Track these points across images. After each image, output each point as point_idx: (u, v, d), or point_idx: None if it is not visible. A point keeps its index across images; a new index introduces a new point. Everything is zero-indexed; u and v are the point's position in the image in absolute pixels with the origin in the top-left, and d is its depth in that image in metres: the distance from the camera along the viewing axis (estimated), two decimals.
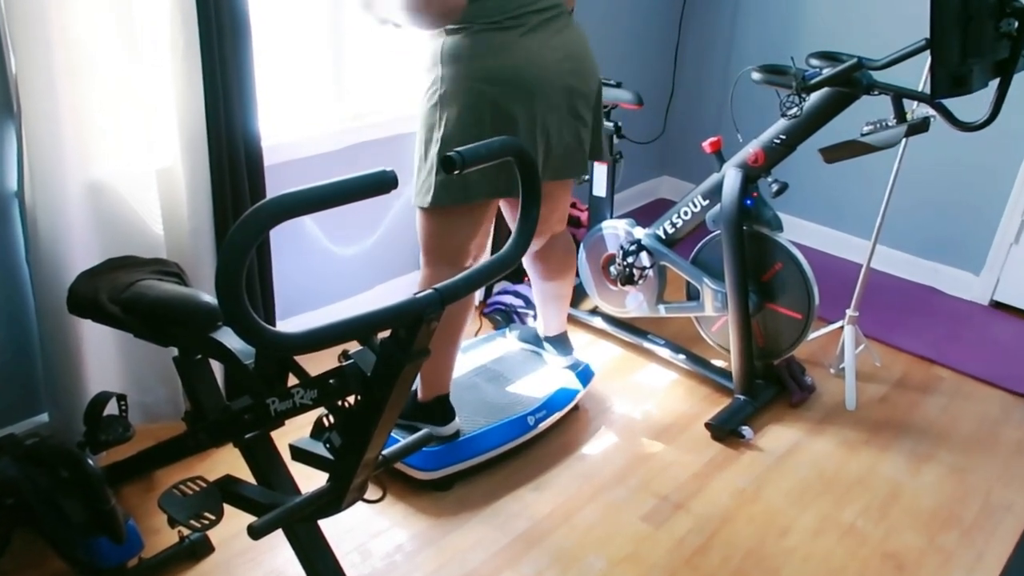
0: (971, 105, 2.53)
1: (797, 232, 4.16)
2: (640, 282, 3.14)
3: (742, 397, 2.97)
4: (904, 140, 2.68)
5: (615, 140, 3.17)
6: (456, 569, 2.28)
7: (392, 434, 2.46)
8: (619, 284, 3.17)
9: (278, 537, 1.94)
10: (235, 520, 1.90)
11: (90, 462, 2.01)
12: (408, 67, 3.12)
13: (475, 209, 2.35)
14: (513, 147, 1.66)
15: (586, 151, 2.42)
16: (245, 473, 1.93)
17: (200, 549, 2.25)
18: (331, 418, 1.77)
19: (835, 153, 2.67)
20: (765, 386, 3.05)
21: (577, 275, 3.38)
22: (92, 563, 2.00)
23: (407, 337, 1.58)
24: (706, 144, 2.94)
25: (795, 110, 2.64)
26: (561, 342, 2.95)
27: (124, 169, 2.34)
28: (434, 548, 2.34)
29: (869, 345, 3.31)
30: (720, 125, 4.36)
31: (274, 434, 1.94)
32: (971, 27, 2.28)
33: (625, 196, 4.51)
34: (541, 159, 2.29)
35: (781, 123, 2.75)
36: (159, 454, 2.07)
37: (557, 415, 2.78)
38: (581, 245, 3.34)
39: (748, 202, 2.85)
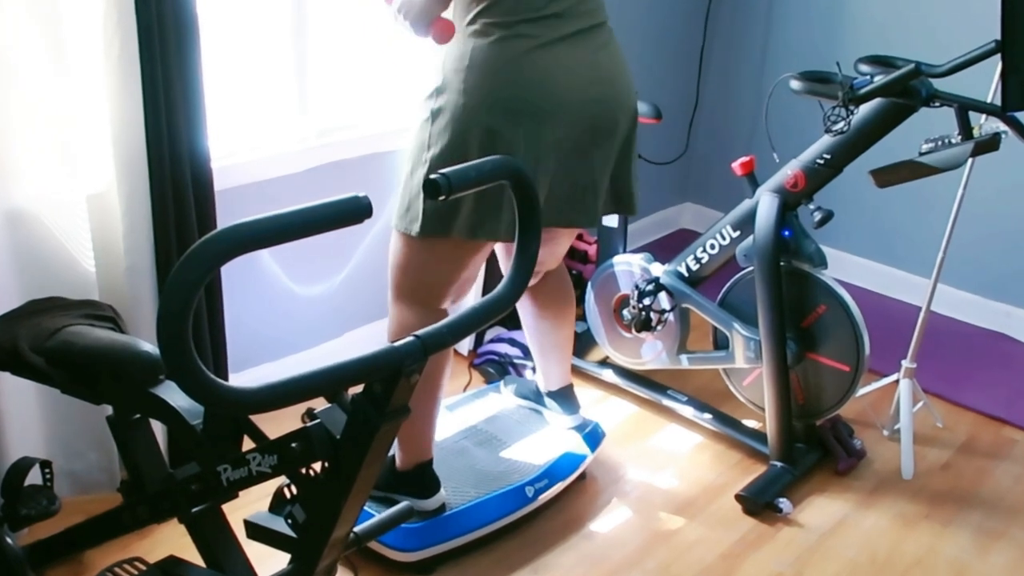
0: None
1: (844, 269, 4.17)
2: (659, 328, 3.14)
3: (779, 464, 2.97)
4: (970, 160, 2.70)
5: None
6: None
7: (366, 508, 2.46)
8: (634, 330, 3.18)
9: None
10: None
11: (9, 540, 2.00)
12: (383, 75, 3.15)
13: (465, 245, 2.37)
14: (509, 169, 1.69)
15: (599, 196, 2.41)
16: (192, 553, 1.93)
17: None
18: (294, 489, 1.77)
19: (889, 176, 2.69)
20: (806, 451, 3.05)
21: (584, 320, 3.39)
22: None
23: (383, 393, 1.59)
24: (736, 165, 2.97)
25: (841, 125, 2.66)
26: (566, 398, 2.95)
27: (49, 195, 2.35)
28: None
29: (929, 402, 3.31)
30: (753, 143, 4.38)
31: (226, 508, 1.94)
32: None
33: (641, 226, 4.52)
34: (543, 199, 2.30)
35: (825, 140, 2.77)
36: (90, 531, 2.06)
37: (560, 485, 2.78)
38: (589, 284, 3.35)
39: (786, 233, 2.87)
